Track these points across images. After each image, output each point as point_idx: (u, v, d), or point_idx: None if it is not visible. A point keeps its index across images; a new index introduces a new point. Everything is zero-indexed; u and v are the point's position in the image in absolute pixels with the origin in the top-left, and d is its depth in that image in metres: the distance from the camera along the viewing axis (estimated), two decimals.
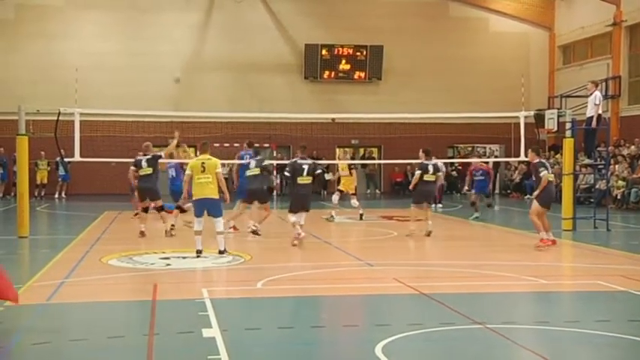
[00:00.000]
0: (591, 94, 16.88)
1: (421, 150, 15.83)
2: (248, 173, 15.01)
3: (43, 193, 28.43)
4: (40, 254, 12.83)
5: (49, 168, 28.78)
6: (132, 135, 27.47)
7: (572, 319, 8.03)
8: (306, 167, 13.62)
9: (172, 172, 16.69)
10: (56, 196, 28.39)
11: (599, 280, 10.22)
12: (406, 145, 26.56)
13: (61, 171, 28.25)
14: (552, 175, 13.63)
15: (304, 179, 13.61)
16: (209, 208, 12.11)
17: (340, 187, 19.16)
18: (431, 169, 15.33)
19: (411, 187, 16.23)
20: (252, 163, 15.04)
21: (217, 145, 29.40)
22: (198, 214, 12.16)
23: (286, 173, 14.07)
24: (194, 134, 29.37)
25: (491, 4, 32.84)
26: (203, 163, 12.07)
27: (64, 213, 23.28)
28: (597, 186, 20.45)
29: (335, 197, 19.30)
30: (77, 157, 16.71)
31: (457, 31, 32.34)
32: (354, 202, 18.94)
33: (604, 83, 25.98)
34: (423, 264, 11.22)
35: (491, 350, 6.85)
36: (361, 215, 18.89)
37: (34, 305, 8.55)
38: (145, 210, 15.39)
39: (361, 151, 32.26)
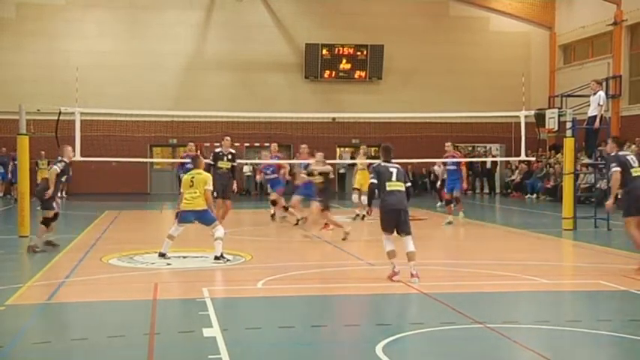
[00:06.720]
0: (595, 93, 16.75)
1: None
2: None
3: None
4: (41, 254, 12.80)
5: (49, 168, 28.72)
6: (132, 134, 27.52)
7: (573, 318, 8.01)
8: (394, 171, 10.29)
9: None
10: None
11: (600, 279, 10.20)
12: (407, 144, 26.55)
13: None
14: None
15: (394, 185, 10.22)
16: (198, 218, 11.95)
17: (356, 185, 18.80)
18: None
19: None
20: None
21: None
22: (183, 222, 12.00)
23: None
24: (194, 133, 29.42)
25: (491, 4, 32.83)
26: (192, 178, 11.89)
27: (64, 212, 23.16)
28: (598, 185, 20.43)
29: (354, 197, 18.77)
30: (78, 157, 16.72)
31: (458, 31, 32.34)
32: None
33: (604, 83, 25.96)
34: (424, 263, 11.18)
35: (492, 350, 6.84)
36: (363, 216, 18.09)
37: (34, 305, 8.56)
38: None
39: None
